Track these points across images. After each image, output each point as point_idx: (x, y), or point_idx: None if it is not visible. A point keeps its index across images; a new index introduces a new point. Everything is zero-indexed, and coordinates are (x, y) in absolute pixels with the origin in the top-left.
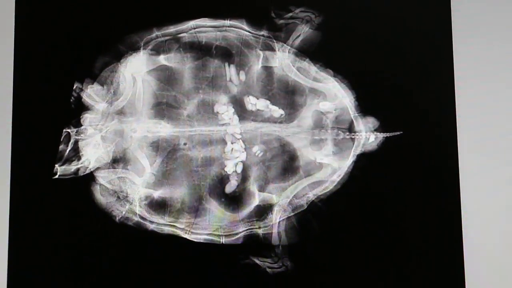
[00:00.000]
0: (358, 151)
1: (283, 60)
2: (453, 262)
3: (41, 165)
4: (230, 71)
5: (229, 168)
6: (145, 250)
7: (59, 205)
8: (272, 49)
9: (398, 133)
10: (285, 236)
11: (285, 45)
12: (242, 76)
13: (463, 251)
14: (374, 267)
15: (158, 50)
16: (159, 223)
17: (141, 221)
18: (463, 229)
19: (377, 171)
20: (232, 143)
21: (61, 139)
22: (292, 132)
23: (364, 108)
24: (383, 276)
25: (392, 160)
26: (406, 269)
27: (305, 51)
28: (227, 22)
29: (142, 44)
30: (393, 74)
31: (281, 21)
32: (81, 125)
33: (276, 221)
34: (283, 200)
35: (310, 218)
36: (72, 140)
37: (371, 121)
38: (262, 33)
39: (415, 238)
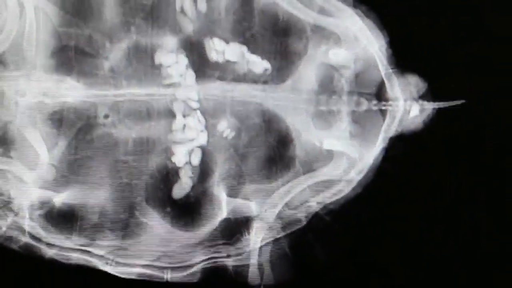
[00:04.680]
0: (392, 132)
1: None
2: None
3: None
4: None
5: (180, 158)
6: None
7: None
8: None
9: (459, 102)
10: (271, 270)
11: None
12: (202, 5)
13: None
14: None
15: None
16: (64, 247)
17: (33, 243)
18: None
19: (424, 164)
20: (184, 116)
21: None
22: (284, 99)
23: (402, 61)
24: None
25: (448, 147)
26: None
27: None
28: None
29: None
30: (453, 3)
31: None
32: None
33: (257, 245)
34: (268, 211)
35: (312, 242)
36: None
37: (414, 83)
38: None
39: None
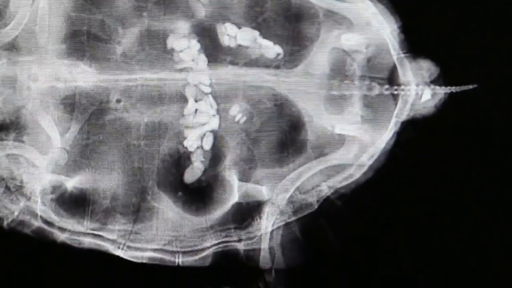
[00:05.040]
0: (404, 116)
1: None
2: None
3: None
4: None
5: (191, 142)
6: (52, 274)
7: None
8: None
9: (471, 87)
10: (282, 254)
11: None
12: None
13: None
14: None
15: None
16: (75, 232)
17: (45, 227)
18: None
19: (435, 148)
20: (196, 100)
21: None
22: (296, 84)
23: (415, 45)
24: None
25: (460, 131)
26: None
27: None
28: None
29: None
30: None
31: None
32: None
33: (268, 229)
34: (279, 195)
35: (324, 226)
36: None
37: (426, 67)
38: None
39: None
